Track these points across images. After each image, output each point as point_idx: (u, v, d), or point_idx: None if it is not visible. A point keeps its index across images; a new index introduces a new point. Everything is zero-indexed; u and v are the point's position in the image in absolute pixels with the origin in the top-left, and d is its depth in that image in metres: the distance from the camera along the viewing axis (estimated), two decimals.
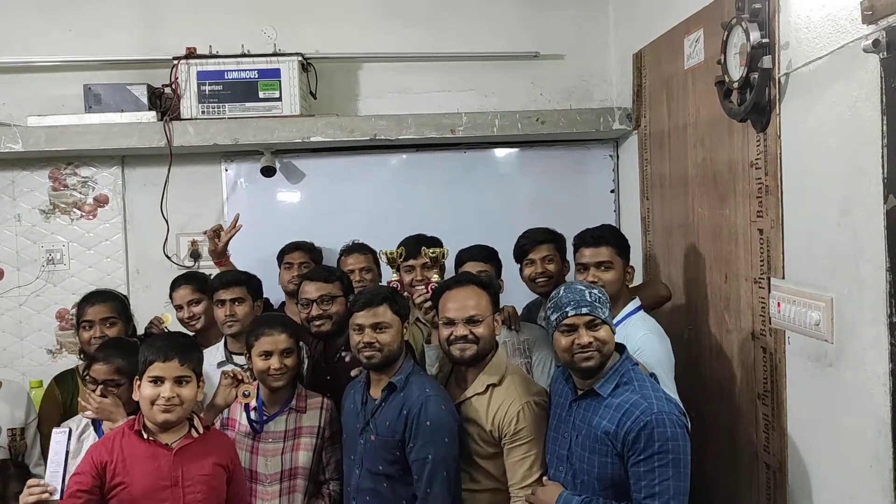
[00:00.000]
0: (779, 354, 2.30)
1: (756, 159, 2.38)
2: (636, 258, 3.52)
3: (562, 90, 3.91)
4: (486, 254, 2.99)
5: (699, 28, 2.79)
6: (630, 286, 2.69)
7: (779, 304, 2.24)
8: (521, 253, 2.95)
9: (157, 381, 2.25)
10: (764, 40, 2.20)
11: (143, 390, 2.26)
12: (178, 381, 2.26)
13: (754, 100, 2.27)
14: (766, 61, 2.20)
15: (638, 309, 2.62)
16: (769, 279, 2.33)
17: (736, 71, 2.35)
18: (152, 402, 2.24)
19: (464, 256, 3.00)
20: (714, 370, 2.77)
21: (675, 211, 3.09)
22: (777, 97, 2.23)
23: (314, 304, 2.80)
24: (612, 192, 3.89)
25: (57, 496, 2.15)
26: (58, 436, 2.19)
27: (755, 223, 2.41)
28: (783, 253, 2.26)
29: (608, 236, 2.65)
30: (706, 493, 2.78)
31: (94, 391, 2.50)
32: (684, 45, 2.92)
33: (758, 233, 2.39)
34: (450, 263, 3.05)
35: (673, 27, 3.03)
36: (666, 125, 3.17)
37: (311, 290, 2.83)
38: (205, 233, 3.46)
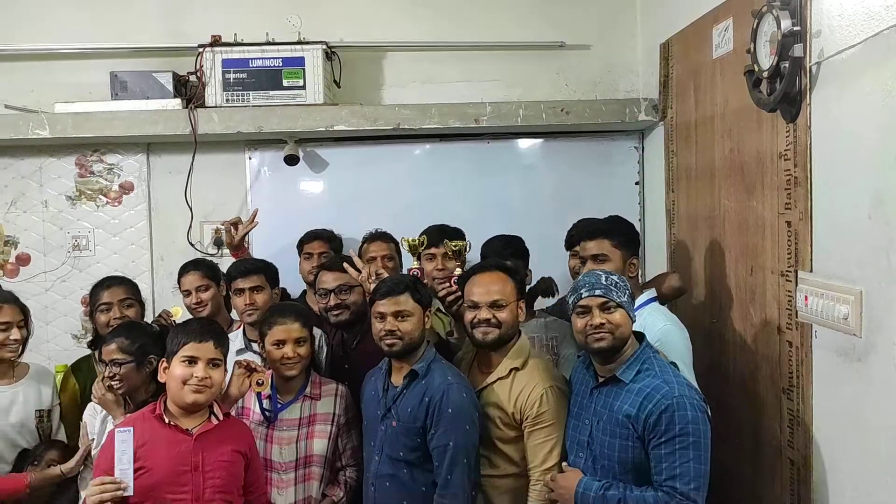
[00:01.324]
0: (805, 348, 2.27)
1: (785, 150, 2.34)
2: (660, 251, 3.50)
3: (587, 81, 3.87)
4: (511, 250, 2.93)
5: (728, 17, 2.74)
6: (633, 276, 2.64)
7: (806, 297, 2.20)
8: (569, 243, 2.94)
9: (191, 361, 2.27)
10: (795, 28, 2.16)
11: (175, 370, 2.28)
12: (211, 363, 2.29)
13: (784, 89, 2.22)
14: (797, 50, 2.16)
15: (652, 300, 2.61)
16: (796, 272, 2.29)
17: (766, 60, 2.30)
18: (184, 382, 2.25)
19: (488, 252, 2.94)
20: (738, 364, 2.73)
21: (700, 203, 3.05)
22: (808, 86, 2.19)
23: (332, 293, 2.80)
24: (636, 183, 3.85)
25: (130, 492, 2.19)
26: (122, 434, 2.22)
27: (783, 215, 2.37)
28: (811, 245, 2.22)
29: (605, 228, 2.65)
30: (728, 488, 2.76)
31: (104, 372, 2.54)
32: (713, 35, 2.87)
33: (786, 225, 2.35)
34: (474, 256, 3.01)
35: (701, 16, 2.98)
36: (693, 116, 3.12)
37: (329, 279, 2.83)
38: (222, 224, 3.48)
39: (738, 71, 2.51)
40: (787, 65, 2.19)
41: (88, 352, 3.09)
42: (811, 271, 2.22)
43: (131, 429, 2.25)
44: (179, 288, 3.15)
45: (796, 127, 2.27)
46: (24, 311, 2.77)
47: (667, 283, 2.87)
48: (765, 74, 2.30)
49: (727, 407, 2.76)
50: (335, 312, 2.81)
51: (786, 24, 2.16)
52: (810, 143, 2.20)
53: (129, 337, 2.55)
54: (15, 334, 2.68)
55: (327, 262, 2.98)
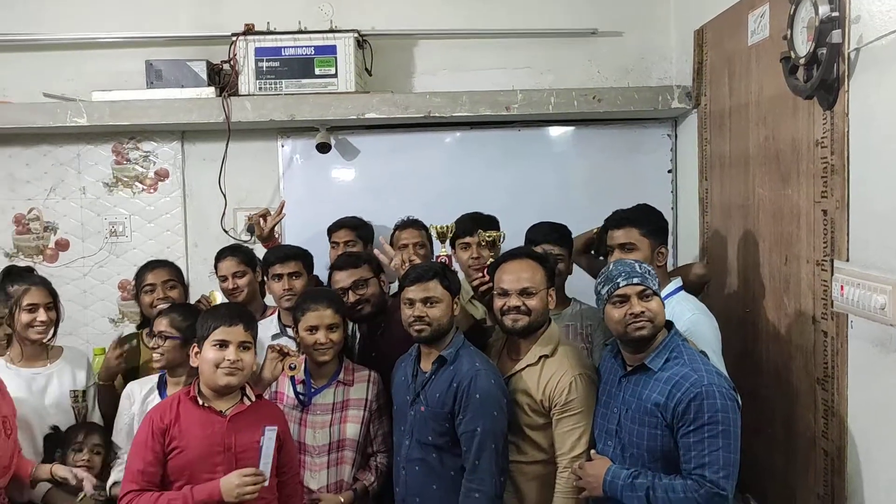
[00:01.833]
0: (840, 339, 2.24)
1: (822, 138, 2.31)
2: (693, 240, 3.47)
3: (619, 68, 3.84)
4: (558, 235, 2.91)
5: (765, 3, 2.70)
6: (661, 266, 2.63)
7: (842, 286, 2.17)
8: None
9: (222, 344, 2.31)
10: (833, 14, 2.12)
11: (207, 354, 2.32)
12: (242, 346, 2.32)
13: (821, 76, 2.19)
14: (835, 36, 2.12)
15: (679, 289, 2.60)
16: (832, 261, 2.26)
17: (803, 46, 2.27)
18: (217, 365, 2.29)
19: (536, 237, 2.90)
20: (771, 354, 2.71)
21: (734, 191, 3.01)
22: (846, 73, 2.15)
23: (349, 291, 2.81)
24: (669, 172, 3.81)
25: (266, 483, 2.27)
26: (270, 433, 2.30)
27: (819, 204, 2.33)
28: (848, 234, 2.18)
29: (633, 217, 2.62)
30: (760, 479, 2.75)
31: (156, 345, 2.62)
32: (748, 21, 2.83)
33: (822, 214, 2.32)
34: (518, 241, 2.95)
35: (737, 3, 2.94)
36: (727, 104, 3.09)
37: (343, 277, 2.84)
38: (250, 217, 3.52)
39: (774, 58, 2.48)
40: (824, 51, 2.15)
41: (131, 330, 3.16)
42: (847, 260, 2.19)
43: (276, 428, 2.33)
44: (216, 273, 3.19)
45: (833, 114, 2.23)
46: (53, 293, 2.82)
47: (692, 271, 2.85)
48: (801, 61, 2.26)
49: (760, 397, 2.74)
50: (357, 308, 2.81)
51: (824, 9, 2.12)
52: (848, 131, 2.16)
53: (181, 314, 2.64)
54: (42, 316, 2.73)
55: (336, 262, 2.97)
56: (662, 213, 2.76)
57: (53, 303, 2.80)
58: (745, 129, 2.89)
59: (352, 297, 2.80)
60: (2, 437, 2.45)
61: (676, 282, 2.65)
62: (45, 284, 2.83)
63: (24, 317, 2.71)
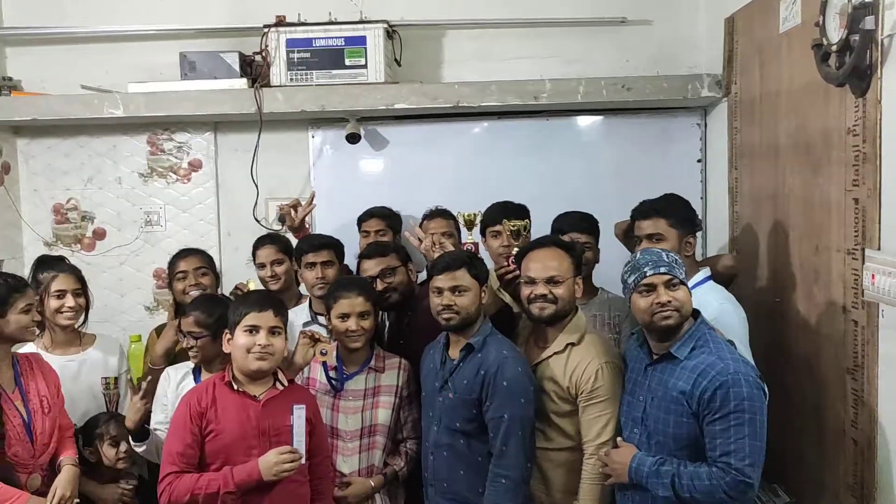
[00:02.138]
0: (871, 328, 2.23)
1: (854, 126, 2.29)
2: (722, 229, 3.46)
3: (648, 57, 3.81)
4: (586, 224, 2.93)
5: None
6: (689, 255, 2.62)
7: (873, 275, 2.16)
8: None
9: (253, 329, 2.36)
10: (867, 0, 2.10)
11: (238, 339, 2.37)
12: (272, 331, 2.37)
13: (854, 63, 2.17)
14: (868, 22, 2.10)
15: (707, 279, 2.60)
16: (863, 250, 2.25)
17: (835, 33, 2.25)
18: (248, 350, 2.34)
19: (563, 226, 2.92)
20: (800, 344, 2.70)
21: (764, 181, 3.00)
22: (879, 60, 2.13)
23: (377, 279, 2.86)
24: (698, 161, 3.79)
25: (303, 461, 2.34)
26: (299, 411, 2.36)
27: (850, 192, 2.32)
28: (880, 223, 2.17)
29: (660, 208, 2.62)
30: (789, 468, 2.74)
31: (184, 343, 2.67)
32: (780, 8, 2.81)
33: (853, 202, 2.30)
34: (546, 231, 2.96)
35: None
36: (757, 92, 3.06)
37: (371, 266, 2.89)
38: (281, 207, 3.57)
39: (806, 45, 2.46)
40: (857, 38, 2.14)
41: (164, 320, 3.22)
42: (879, 249, 2.17)
43: (304, 406, 2.38)
44: (254, 261, 3.24)
45: (866, 101, 2.21)
46: (81, 280, 2.89)
47: (721, 262, 2.84)
48: (834, 48, 2.25)
49: (789, 387, 2.73)
50: (384, 296, 2.86)
51: None
52: (880, 118, 2.15)
53: (206, 311, 2.66)
54: (70, 301, 2.81)
55: (365, 251, 3.02)
56: (690, 202, 2.76)
57: (82, 289, 2.87)
58: (775, 117, 2.87)
59: (379, 286, 2.85)
60: (40, 416, 2.53)
61: (705, 271, 2.65)
62: (73, 271, 2.90)
63: (53, 303, 2.79)
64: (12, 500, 2.38)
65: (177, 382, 2.73)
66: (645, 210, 2.66)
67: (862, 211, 2.25)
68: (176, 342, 2.86)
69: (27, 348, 2.77)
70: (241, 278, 3.38)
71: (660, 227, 2.59)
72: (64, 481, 2.51)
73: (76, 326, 2.89)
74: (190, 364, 2.76)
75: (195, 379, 2.71)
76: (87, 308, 2.90)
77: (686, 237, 2.62)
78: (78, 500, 2.55)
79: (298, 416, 2.36)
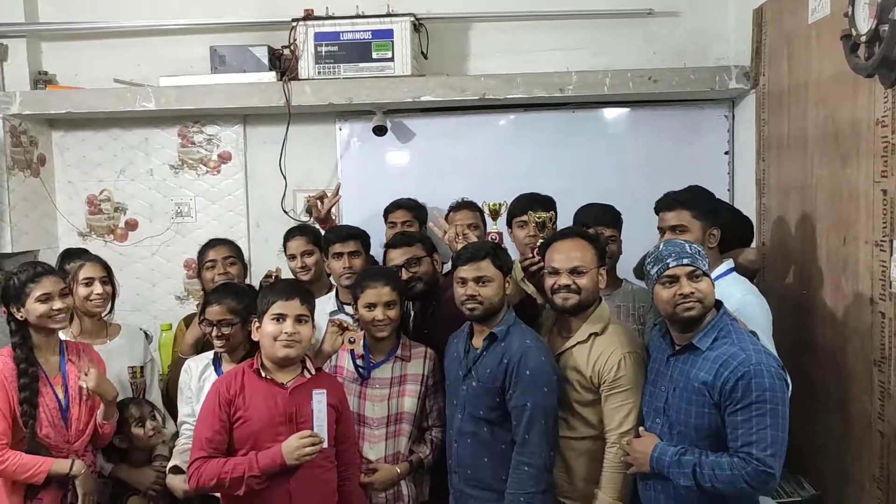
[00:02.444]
0: None
1: (882, 117, 2.28)
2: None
3: (676, 49, 3.80)
4: (610, 217, 2.93)
5: None
6: (712, 247, 2.61)
7: None
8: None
9: (280, 318, 2.39)
10: None
11: (266, 327, 2.41)
12: (299, 319, 2.40)
13: (883, 53, 2.15)
14: None
15: (730, 270, 2.59)
16: (892, 242, 2.24)
17: (864, 24, 2.23)
18: (275, 338, 2.38)
19: (587, 220, 2.91)
20: (827, 336, 2.69)
21: (792, 172, 2.98)
22: None
23: (402, 268, 2.90)
24: (726, 153, 3.77)
25: (325, 444, 2.37)
26: (319, 396, 2.40)
27: (879, 183, 2.30)
28: None
29: (683, 199, 2.61)
30: (814, 461, 2.74)
31: (210, 332, 2.70)
32: None
33: (881, 193, 2.29)
34: (571, 223, 2.96)
35: None
36: (786, 83, 3.05)
37: (397, 255, 2.93)
38: (308, 199, 3.62)
39: (835, 36, 2.44)
40: (886, 28, 2.12)
41: (193, 310, 3.28)
42: None
43: (324, 391, 2.42)
44: (285, 252, 3.28)
45: (895, 93, 2.20)
46: (107, 268, 2.94)
47: (743, 255, 2.82)
48: (863, 39, 2.23)
49: (815, 380, 2.72)
50: (409, 285, 2.90)
51: None
52: None
53: (234, 298, 2.71)
54: (98, 288, 2.86)
55: (391, 240, 3.06)
56: (714, 193, 2.75)
57: (108, 277, 2.92)
58: (803, 108, 2.86)
59: (404, 275, 2.89)
60: (77, 403, 2.60)
61: (728, 263, 2.64)
62: (98, 260, 2.95)
63: (82, 290, 2.84)
64: (38, 465, 2.47)
65: (198, 374, 2.77)
66: (669, 201, 2.66)
67: (890, 202, 2.24)
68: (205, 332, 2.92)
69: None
70: (269, 268, 3.43)
71: (683, 219, 2.59)
72: (80, 484, 2.56)
73: (103, 315, 2.95)
74: (209, 355, 2.80)
75: (216, 370, 2.75)
76: (113, 296, 2.96)
77: (710, 229, 2.61)
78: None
79: (318, 401, 2.39)
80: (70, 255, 3.13)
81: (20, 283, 2.53)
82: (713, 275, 2.52)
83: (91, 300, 2.85)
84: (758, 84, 3.37)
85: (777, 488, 2.66)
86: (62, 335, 2.75)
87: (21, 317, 2.53)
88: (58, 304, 2.54)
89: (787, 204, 3.03)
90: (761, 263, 2.88)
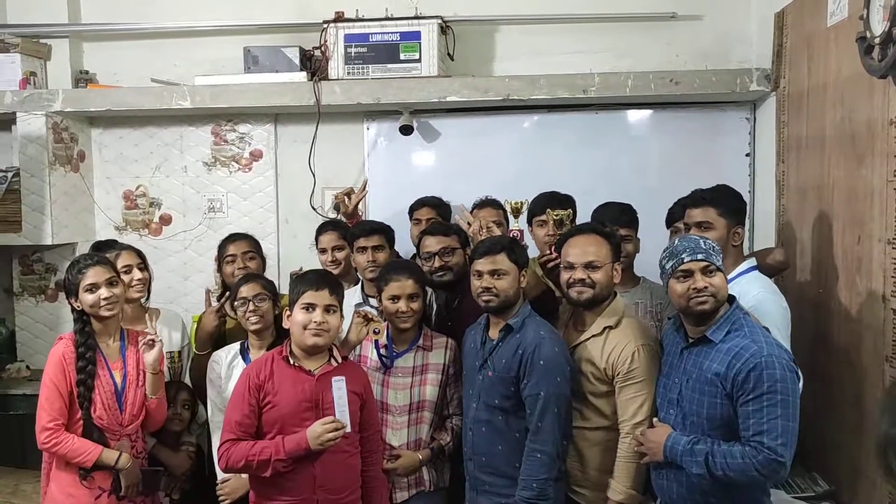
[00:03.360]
0: None
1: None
2: (769, 222, 3.48)
3: (699, 51, 3.85)
4: (627, 218, 2.99)
5: None
6: (736, 245, 2.66)
7: None
8: (669, 220, 3.00)
9: (310, 307, 2.48)
10: None
11: (296, 316, 2.50)
12: (327, 309, 2.49)
13: None
14: None
15: (752, 269, 2.63)
16: None
17: (878, 26, 2.29)
18: (304, 327, 2.47)
19: (604, 219, 2.95)
20: (842, 333, 2.73)
21: (810, 173, 3.02)
22: None
23: (436, 256, 2.98)
24: (747, 155, 3.81)
25: (348, 429, 2.45)
26: (339, 383, 2.48)
27: (892, 182, 2.35)
28: None
29: (710, 197, 2.66)
30: (828, 456, 2.77)
31: (245, 311, 2.82)
32: (828, 2, 2.83)
33: (894, 192, 2.33)
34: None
35: None
36: (805, 85, 3.09)
37: (433, 243, 3.01)
38: (336, 196, 3.72)
39: (852, 38, 2.50)
40: None
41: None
42: None
43: (343, 377, 2.50)
44: (316, 246, 3.37)
45: None
46: (141, 255, 3.06)
47: (771, 256, 2.86)
48: (877, 40, 2.29)
49: (830, 377, 2.76)
50: (439, 274, 2.99)
51: None
52: None
53: (262, 279, 2.87)
54: (137, 274, 2.97)
55: (429, 228, 3.16)
56: (741, 194, 2.78)
57: (144, 263, 3.03)
58: (822, 110, 2.90)
59: (437, 262, 2.97)
60: (133, 388, 2.72)
61: (750, 262, 2.69)
62: (132, 248, 3.07)
63: (123, 278, 2.93)
64: (88, 452, 2.59)
65: (228, 363, 2.88)
66: (696, 198, 2.71)
67: None
68: (218, 326, 3.02)
69: None
70: (297, 264, 3.54)
71: (709, 216, 2.63)
72: (124, 476, 2.68)
73: (142, 301, 3.07)
74: (236, 346, 2.91)
75: (244, 358, 2.86)
76: (149, 282, 3.07)
77: (734, 227, 2.65)
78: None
79: (338, 388, 2.47)
80: (100, 247, 3.23)
81: (73, 276, 2.66)
82: (734, 273, 2.58)
83: (132, 286, 2.96)
84: (778, 86, 3.41)
85: (791, 482, 2.72)
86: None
87: (78, 307, 2.66)
88: (105, 293, 2.64)
89: (805, 204, 3.07)
90: (789, 263, 2.90)
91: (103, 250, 3.13)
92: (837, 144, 2.76)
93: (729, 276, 2.54)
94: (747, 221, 3.18)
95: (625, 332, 2.48)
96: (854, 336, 2.62)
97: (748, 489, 2.21)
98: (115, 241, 3.37)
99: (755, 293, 2.51)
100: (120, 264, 2.95)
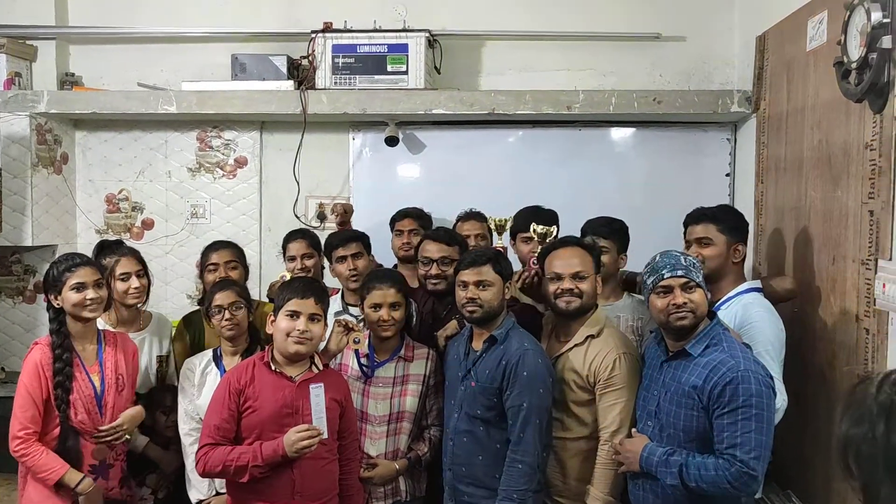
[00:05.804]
0: (881, 335, 2.31)
1: (871, 140, 2.38)
2: (748, 242, 3.51)
3: (682, 72, 3.93)
4: (608, 229, 2.99)
5: (824, 10, 2.77)
6: (736, 262, 2.69)
7: (884, 284, 2.24)
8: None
9: (294, 315, 2.48)
10: (885, 20, 2.20)
11: (280, 323, 2.50)
12: (312, 317, 2.50)
13: (871, 80, 2.27)
14: (885, 41, 2.20)
15: (753, 290, 2.65)
16: (876, 260, 2.33)
17: (855, 51, 2.35)
18: (287, 334, 2.48)
19: (588, 228, 2.98)
20: (816, 352, 2.77)
21: (788, 194, 3.08)
22: (895, 78, 2.22)
23: (435, 263, 2.99)
24: (727, 175, 3.88)
25: (325, 435, 2.45)
26: (316, 390, 2.48)
27: (866, 205, 2.40)
28: (892, 233, 2.25)
29: (712, 214, 2.70)
30: (802, 474, 2.80)
31: (221, 318, 2.81)
32: (808, 27, 2.90)
33: (868, 214, 2.39)
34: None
35: (798, 9, 3.01)
36: (785, 108, 3.16)
37: (434, 249, 3.01)
38: (333, 208, 3.74)
39: (830, 63, 2.56)
40: (875, 56, 2.23)
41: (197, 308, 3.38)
42: (891, 259, 2.25)
43: (321, 384, 2.50)
44: (284, 254, 3.37)
45: (882, 117, 2.30)
46: (142, 261, 3.05)
47: (781, 284, 2.85)
48: (853, 65, 2.35)
49: (805, 395, 2.79)
50: (434, 281, 2.99)
51: (876, 16, 2.21)
52: (894, 134, 2.24)
53: (237, 287, 2.88)
54: (135, 282, 2.96)
55: (432, 233, 3.13)
56: (743, 214, 2.80)
57: (143, 269, 3.03)
58: (800, 132, 2.96)
59: (434, 269, 2.98)
60: (113, 392, 2.71)
61: (754, 282, 2.71)
62: (133, 254, 3.06)
63: (119, 286, 2.94)
64: (52, 470, 2.55)
65: (201, 370, 2.88)
66: (697, 215, 2.74)
67: (876, 222, 2.34)
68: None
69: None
70: (279, 272, 3.51)
71: (709, 232, 2.67)
72: (128, 415, 2.69)
73: (139, 306, 3.06)
74: (209, 352, 2.92)
75: (217, 365, 2.87)
76: (149, 287, 3.06)
77: (734, 244, 2.68)
78: (128, 437, 2.73)
79: (316, 394, 2.47)
80: (105, 248, 3.21)
81: (58, 272, 2.63)
82: (734, 291, 2.62)
83: (129, 294, 2.95)
84: (759, 108, 3.48)
85: (766, 500, 2.75)
86: (100, 324, 2.84)
87: (58, 304, 2.63)
88: (91, 294, 2.62)
89: (783, 225, 3.13)
90: (799, 291, 2.85)
91: (109, 249, 3.13)
92: (815, 166, 2.82)
93: (728, 294, 2.60)
94: None
95: (606, 341, 2.52)
96: (828, 354, 2.67)
97: (721, 502, 2.23)
98: (121, 243, 3.34)
99: (755, 311, 2.54)
100: (118, 271, 2.95)
